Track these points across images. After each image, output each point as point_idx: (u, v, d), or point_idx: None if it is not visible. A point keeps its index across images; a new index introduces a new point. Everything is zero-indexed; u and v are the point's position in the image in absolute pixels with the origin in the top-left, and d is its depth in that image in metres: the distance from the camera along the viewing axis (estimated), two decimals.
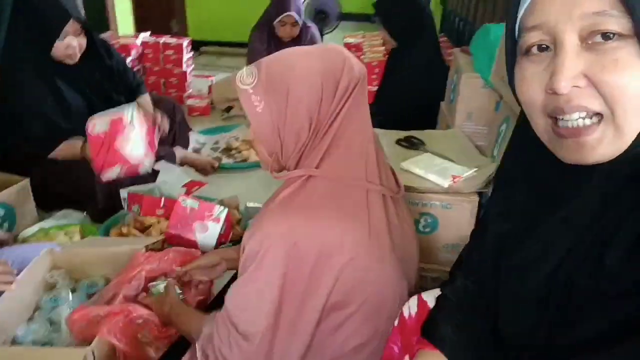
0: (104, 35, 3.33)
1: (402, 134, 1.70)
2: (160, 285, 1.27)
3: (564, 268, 0.60)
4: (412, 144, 1.63)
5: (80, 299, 1.42)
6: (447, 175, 1.38)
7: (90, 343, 1.08)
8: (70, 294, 1.40)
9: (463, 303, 0.82)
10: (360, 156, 0.89)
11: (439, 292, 0.88)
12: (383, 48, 3.72)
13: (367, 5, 6.71)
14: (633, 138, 0.52)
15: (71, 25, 1.85)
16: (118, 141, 1.68)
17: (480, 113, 1.74)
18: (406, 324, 0.89)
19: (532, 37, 0.55)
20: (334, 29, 5.00)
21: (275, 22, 2.98)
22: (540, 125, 0.58)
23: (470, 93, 1.72)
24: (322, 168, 0.86)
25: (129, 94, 2.19)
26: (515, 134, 0.77)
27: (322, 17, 4.90)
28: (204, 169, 2.45)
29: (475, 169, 1.41)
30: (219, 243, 1.74)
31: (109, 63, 2.11)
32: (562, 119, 0.55)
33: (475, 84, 1.70)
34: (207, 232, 1.73)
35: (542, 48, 0.55)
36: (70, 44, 1.88)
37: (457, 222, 1.38)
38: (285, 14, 2.93)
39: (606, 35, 0.50)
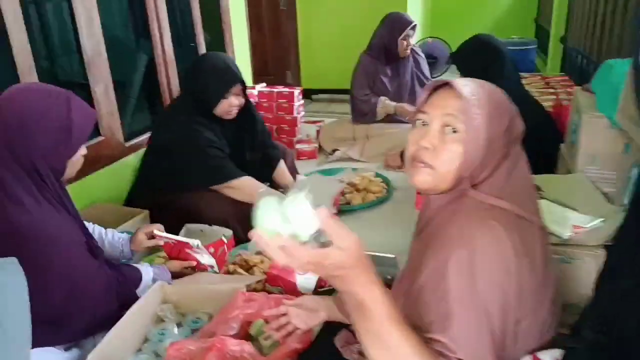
0: None
1: None
2: None
3: None
4: None
5: (185, 334, 1.47)
6: (568, 225, 1.24)
7: None
8: (176, 328, 1.46)
9: (596, 353, 0.75)
10: (530, 192, 0.92)
11: (557, 352, 0.82)
12: None
13: None
14: None
15: (237, 87, 2.07)
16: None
17: (606, 156, 1.56)
18: None
19: None
20: (444, 72, 4.95)
21: (399, 39, 3.15)
22: None
23: (593, 134, 1.56)
24: (507, 200, 0.86)
25: (266, 157, 2.39)
26: None
27: (431, 62, 4.89)
28: None
29: (602, 219, 1.25)
30: (319, 286, 1.72)
31: (255, 122, 2.30)
32: None
33: (600, 125, 1.54)
34: (307, 274, 1.72)
35: None
36: (232, 103, 2.09)
37: (578, 279, 1.22)
38: (413, 23, 3.13)
39: None
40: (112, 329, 1.32)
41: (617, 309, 0.75)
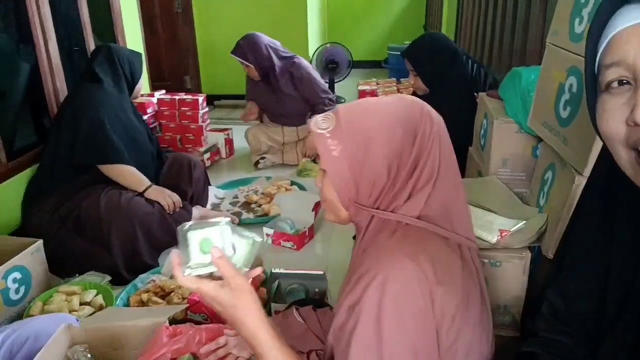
0: None
1: None
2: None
3: None
4: None
5: None
6: (494, 230, 1.27)
7: None
8: None
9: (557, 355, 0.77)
10: (455, 209, 0.86)
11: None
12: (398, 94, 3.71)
13: (375, 52, 6.86)
14: None
15: None
16: None
17: (516, 159, 1.65)
18: None
19: (612, 74, 0.56)
20: (346, 77, 5.04)
21: None
22: (623, 158, 0.58)
23: (504, 139, 1.64)
24: (424, 218, 0.82)
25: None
26: (591, 190, 0.73)
27: (333, 67, 4.95)
28: None
29: (524, 222, 1.30)
30: None
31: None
32: None
33: (509, 129, 1.62)
34: None
35: (622, 82, 0.56)
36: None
37: (507, 281, 1.27)
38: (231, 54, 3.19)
39: None
40: None
41: (576, 308, 0.77)
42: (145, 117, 3.27)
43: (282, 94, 3.25)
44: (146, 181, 2.16)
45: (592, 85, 0.60)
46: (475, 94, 2.20)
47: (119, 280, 1.95)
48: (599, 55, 0.59)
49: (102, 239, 1.98)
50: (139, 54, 2.45)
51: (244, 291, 0.77)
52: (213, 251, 0.76)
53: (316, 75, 3.36)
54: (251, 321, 0.77)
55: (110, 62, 2.27)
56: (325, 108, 3.27)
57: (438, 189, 0.83)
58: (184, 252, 0.77)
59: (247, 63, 3.15)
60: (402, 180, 0.83)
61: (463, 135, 2.01)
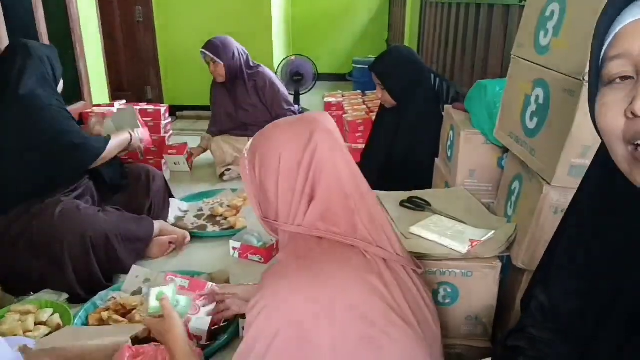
0: (79, 106, 3.24)
1: (404, 194, 1.61)
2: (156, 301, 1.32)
3: None
4: (417, 206, 1.54)
5: None
6: (464, 240, 1.28)
7: None
8: None
9: (543, 351, 0.77)
10: (350, 215, 0.90)
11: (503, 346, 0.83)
12: (365, 106, 3.74)
13: (340, 66, 6.91)
14: None
15: None
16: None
17: (482, 170, 1.67)
18: None
19: (615, 67, 0.56)
20: (311, 89, 5.04)
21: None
22: (619, 154, 0.58)
23: (471, 150, 1.66)
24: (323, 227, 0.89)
25: None
26: (583, 188, 0.75)
27: (298, 79, 4.94)
28: (179, 243, 2.28)
29: (493, 231, 1.31)
30: (213, 324, 1.58)
31: None
32: None
33: (476, 141, 1.65)
34: (199, 312, 1.56)
35: (624, 77, 0.56)
36: None
37: (479, 291, 1.27)
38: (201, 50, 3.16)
39: None
40: None
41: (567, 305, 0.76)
42: None
43: (246, 102, 3.22)
44: (125, 137, 2.25)
45: (595, 80, 0.60)
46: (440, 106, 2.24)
47: (76, 298, 1.85)
48: (604, 49, 0.59)
49: (56, 257, 1.87)
50: (55, 49, 2.19)
51: (173, 318, 1.24)
52: (162, 297, 1.30)
53: (280, 85, 3.36)
54: (174, 336, 1.20)
55: (34, 64, 2.00)
56: None
57: (338, 203, 0.89)
58: (146, 301, 1.29)
59: (217, 59, 3.11)
60: (295, 197, 0.89)
61: (431, 147, 2.03)
